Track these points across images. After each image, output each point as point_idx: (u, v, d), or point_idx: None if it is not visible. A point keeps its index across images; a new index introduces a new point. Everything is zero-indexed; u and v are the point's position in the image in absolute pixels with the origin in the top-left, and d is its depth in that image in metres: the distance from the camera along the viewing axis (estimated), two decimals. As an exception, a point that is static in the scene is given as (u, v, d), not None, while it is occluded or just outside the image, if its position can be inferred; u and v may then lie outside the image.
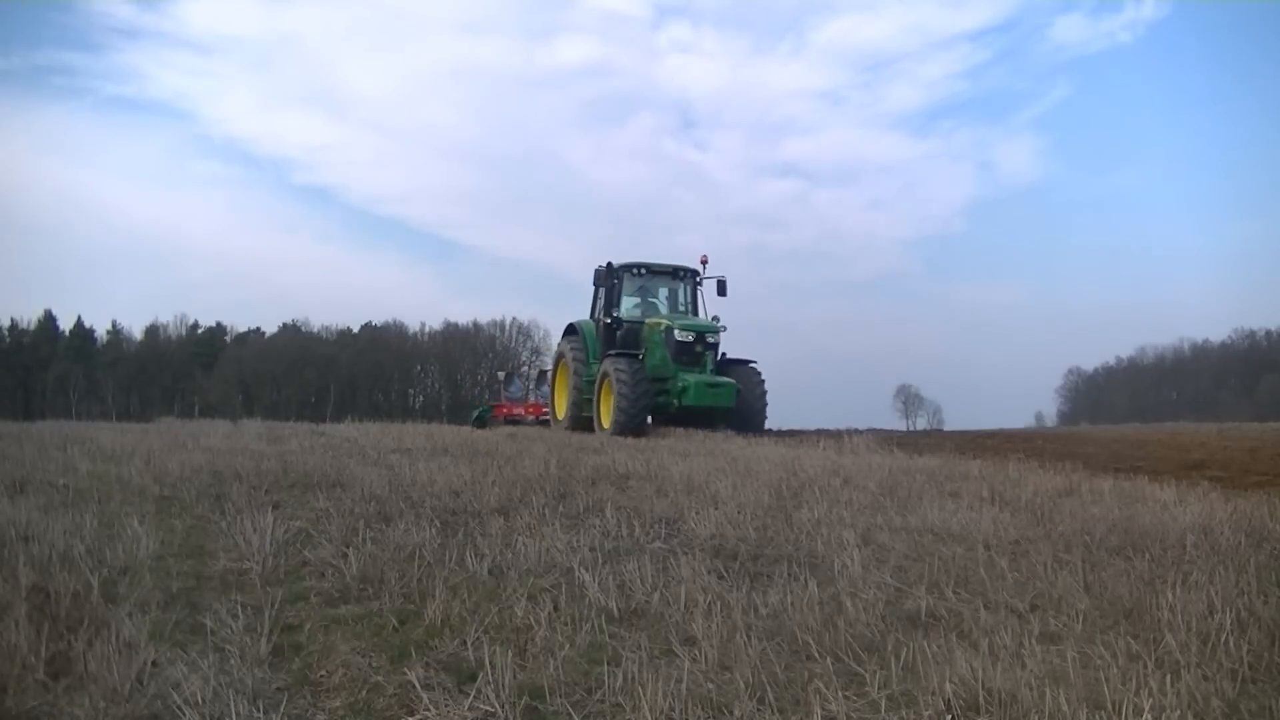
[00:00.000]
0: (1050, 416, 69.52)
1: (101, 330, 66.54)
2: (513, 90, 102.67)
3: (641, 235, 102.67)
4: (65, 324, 64.93)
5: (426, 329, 68.65)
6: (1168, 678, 2.66)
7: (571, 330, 17.45)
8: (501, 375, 24.71)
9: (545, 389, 21.26)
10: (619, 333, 16.16)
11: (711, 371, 15.20)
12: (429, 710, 2.57)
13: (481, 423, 22.17)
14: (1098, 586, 3.88)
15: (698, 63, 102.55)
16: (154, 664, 2.89)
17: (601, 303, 16.77)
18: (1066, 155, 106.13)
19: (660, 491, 6.68)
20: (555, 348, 18.14)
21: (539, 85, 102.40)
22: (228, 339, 68.74)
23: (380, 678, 2.84)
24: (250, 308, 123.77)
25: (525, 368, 26.51)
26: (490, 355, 67.22)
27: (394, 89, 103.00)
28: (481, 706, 2.58)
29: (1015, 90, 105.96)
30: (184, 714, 2.50)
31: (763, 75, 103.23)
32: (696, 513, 5.53)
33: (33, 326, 63.94)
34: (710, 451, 11.48)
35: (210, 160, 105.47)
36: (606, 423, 14.89)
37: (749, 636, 3.14)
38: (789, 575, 4.06)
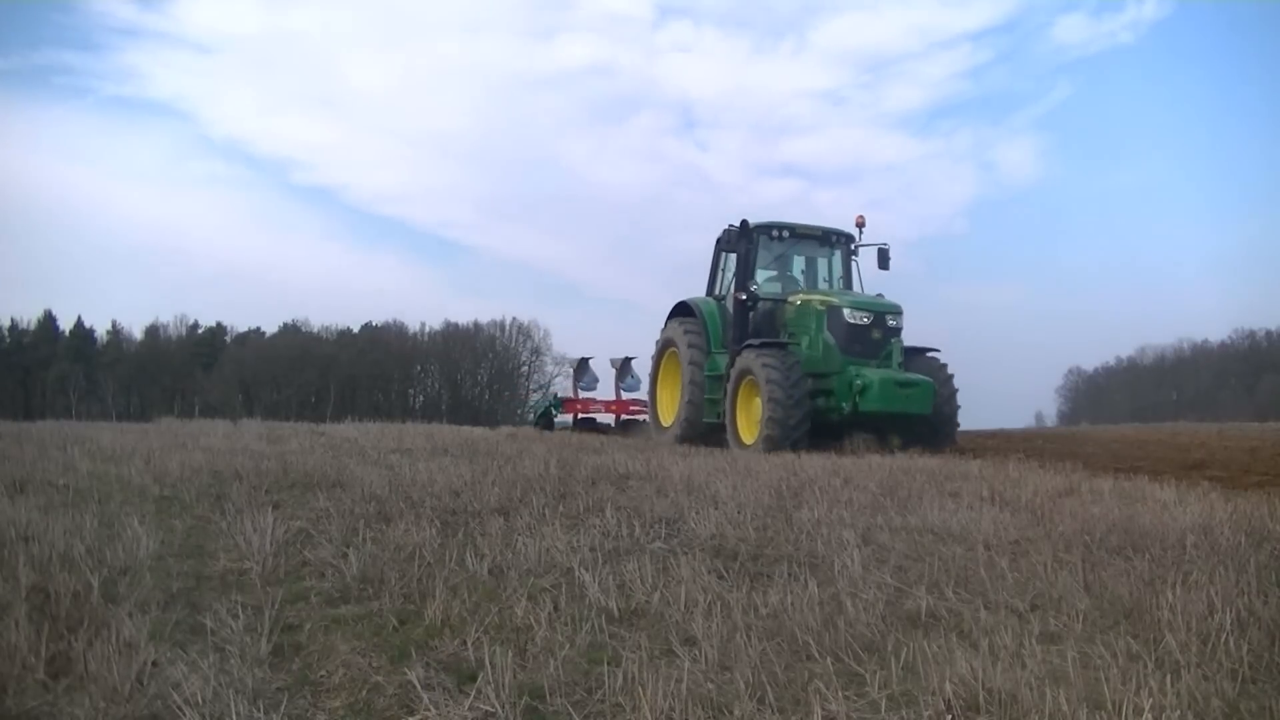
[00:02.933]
0: (1050, 416, 69.42)
1: (101, 330, 66.56)
2: (513, 90, 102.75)
3: (642, 235, 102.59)
4: (65, 324, 64.93)
5: (426, 329, 68.69)
6: (1168, 678, 2.66)
7: (684, 310, 13.62)
8: (572, 363, 19.12)
9: (630, 380, 17.27)
10: (753, 313, 12.49)
11: (899, 365, 11.43)
12: (429, 710, 2.57)
13: (546, 423, 18.02)
14: (1098, 586, 3.88)
15: (699, 63, 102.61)
16: (154, 664, 2.89)
17: (730, 274, 12.97)
18: (1067, 155, 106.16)
19: (660, 491, 6.68)
20: (662, 331, 14.04)
21: (540, 85, 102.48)
22: (228, 339, 68.66)
23: (380, 678, 2.84)
24: (250, 308, 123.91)
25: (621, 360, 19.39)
26: (490, 355, 67.21)
27: (394, 89, 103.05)
28: (481, 706, 2.58)
29: (1016, 90, 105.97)
30: (184, 714, 2.50)
31: (764, 75, 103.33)
32: (696, 513, 5.53)
33: (33, 326, 63.91)
34: (710, 451, 11.48)
35: (210, 160, 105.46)
36: (749, 435, 11.42)
37: (749, 636, 3.14)
38: (789, 575, 4.06)
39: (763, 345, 11.61)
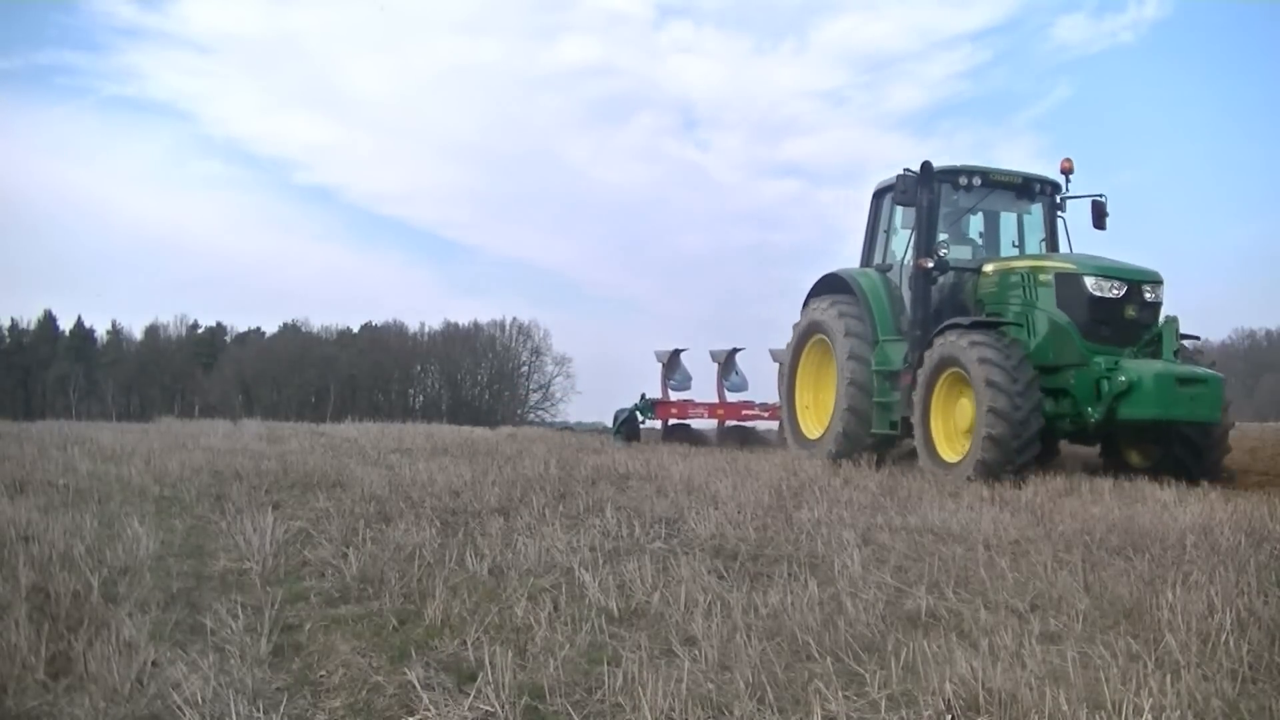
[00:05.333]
0: (1050, 416, 69.36)
1: (101, 330, 66.66)
2: (514, 90, 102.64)
3: (642, 235, 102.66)
4: (65, 324, 65.02)
5: (426, 329, 68.73)
6: (1168, 678, 2.66)
7: (835, 285, 10.60)
8: (662, 356, 15.00)
9: (735, 378, 14.60)
10: (935, 287, 9.51)
11: (1175, 356, 8.35)
12: (429, 710, 2.57)
13: (631, 430, 14.59)
14: (1098, 586, 3.88)
15: (699, 63, 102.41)
16: (154, 664, 2.89)
17: (898, 236, 10.25)
18: (1067, 155, 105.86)
19: (660, 491, 6.69)
20: (803, 313, 11.05)
21: (540, 85, 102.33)
22: (228, 339, 68.71)
23: (380, 678, 2.84)
24: (250, 308, 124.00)
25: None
26: (490, 355, 67.22)
27: (395, 89, 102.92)
28: (481, 706, 2.58)
29: (1017, 90, 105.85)
30: (184, 714, 2.49)
31: (764, 75, 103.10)
32: (696, 513, 5.53)
33: (33, 326, 63.98)
34: (710, 451, 11.48)
35: (211, 160, 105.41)
36: (951, 450, 8.60)
37: (749, 636, 3.14)
38: (789, 575, 4.06)
39: (974, 325, 8.63)
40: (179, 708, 2.52)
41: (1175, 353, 8.40)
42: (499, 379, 67.03)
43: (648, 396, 15.02)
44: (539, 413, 59.66)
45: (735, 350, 14.78)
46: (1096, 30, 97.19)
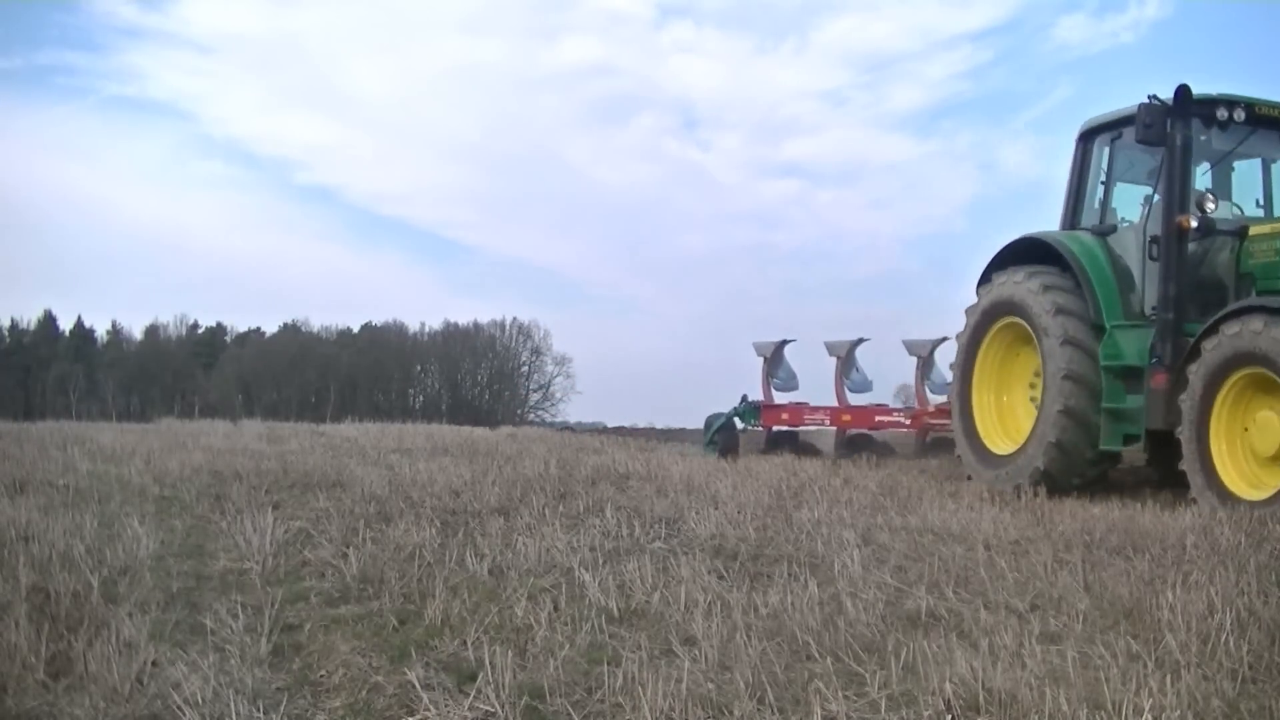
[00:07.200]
0: (1051, 416, 69.23)
1: (101, 330, 66.67)
2: (514, 90, 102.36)
3: (643, 235, 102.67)
4: (65, 324, 65.03)
5: (426, 329, 68.67)
6: (1168, 678, 2.66)
7: (1034, 253, 8.09)
8: (764, 350, 12.66)
9: (856, 376, 11.87)
10: (1182, 255, 7.12)
11: None
12: (429, 710, 2.57)
13: (729, 442, 11.53)
14: (1098, 586, 3.88)
15: (700, 63, 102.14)
16: (154, 664, 2.89)
17: (1121, 190, 8.16)
18: (1068, 155, 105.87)
19: (660, 491, 6.69)
20: (984, 290, 8.41)
21: (541, 85, 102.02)
22: (228, 339, 68.73)
23: (380, 678, 2.84)
24: (250, 308, 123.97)
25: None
26: (490, 355, 67.20)
27: (396, 89, 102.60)
28: (481, 706, 2.58)
29: (1017, 90, 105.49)
30: (184, 714, 2.50)
31: (765, 75, 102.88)
32: (696, 513, 5.53)
33: (33, 326, 63.98)
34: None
35: (212, 160, 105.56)
36: (1246, 483, 6.42)
37: (749, 636, 3.14)
38: (789, 575, 4.06)
39: None
40: (179, 708, 2.52)
41: None
42: (499, 379, 66.97)
43: (749, 399, 12.29)
44: (539, 413, 59.60)
45: (859, 342, 12.09)
46: (1097, 30, 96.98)
